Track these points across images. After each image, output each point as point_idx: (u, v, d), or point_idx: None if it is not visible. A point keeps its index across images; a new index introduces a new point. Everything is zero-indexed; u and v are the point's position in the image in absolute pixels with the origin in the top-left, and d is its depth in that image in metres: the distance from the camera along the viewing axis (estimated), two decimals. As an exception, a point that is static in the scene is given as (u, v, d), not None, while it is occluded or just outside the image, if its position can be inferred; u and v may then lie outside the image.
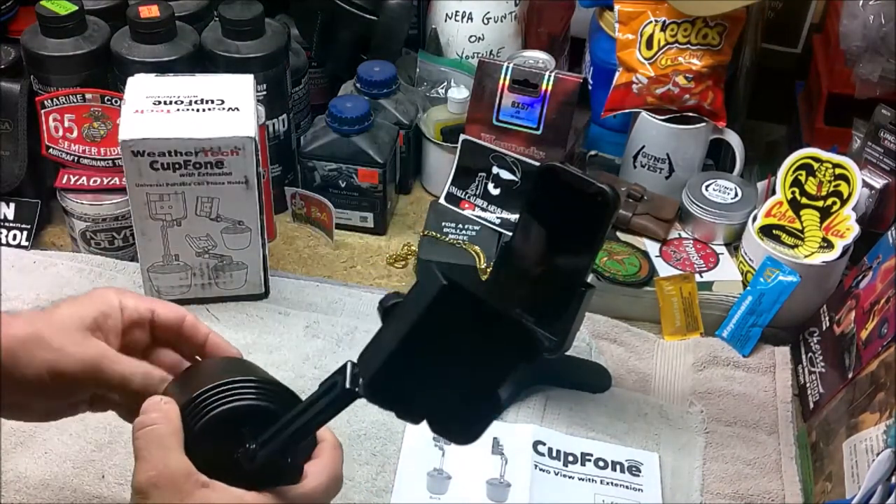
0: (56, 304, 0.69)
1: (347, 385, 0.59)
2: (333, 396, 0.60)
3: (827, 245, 1.03)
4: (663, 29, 1.13)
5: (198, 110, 0.94)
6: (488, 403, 0.62)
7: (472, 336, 0.59)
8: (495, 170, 1.13)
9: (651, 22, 1.13)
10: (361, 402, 0.95)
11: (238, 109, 0.94)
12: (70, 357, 0.65)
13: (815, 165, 1.04)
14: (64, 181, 1.06)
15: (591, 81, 1.25)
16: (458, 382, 0.60)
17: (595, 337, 1.02)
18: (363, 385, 0.59)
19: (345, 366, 0.60)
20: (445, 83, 1.25)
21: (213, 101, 0.95)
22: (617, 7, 1.15)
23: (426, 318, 0.57)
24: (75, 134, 1.07)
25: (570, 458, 0.89)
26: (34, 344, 0.65)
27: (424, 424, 0.60)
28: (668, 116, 1.15)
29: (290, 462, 0.64)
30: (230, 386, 0.64)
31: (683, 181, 1.14)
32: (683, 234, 1.12)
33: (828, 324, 1.00)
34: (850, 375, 0.91)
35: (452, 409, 0.61)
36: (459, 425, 0.62)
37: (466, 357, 0.59)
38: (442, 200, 1.15)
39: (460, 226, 1.11)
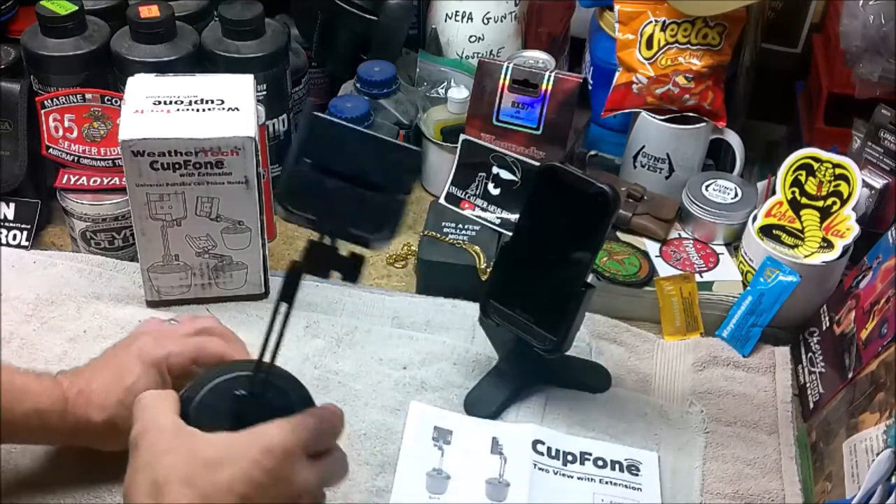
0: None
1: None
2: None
3: (827, 245, 1.03)
4: (663, 29, 1.13)
5: (198, 110, 0.94)
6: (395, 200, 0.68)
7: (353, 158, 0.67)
8: (495, 170, 1.13)
9: (651, 22, 1.13)
10: (362, 403, 0.95)
11: (238, 109, 0.94)
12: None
13: (815, 165, 1.04)
14: (64, 181, 1.06)
15: (591, 81, 1.25)
16: (354, 193, 0.66)
17: (595, 337, 1.02)
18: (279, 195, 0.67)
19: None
20: (445, 83, 1.25)
21: (212, 101, 0.94)
22: (617, 7, 1.15)
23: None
24: (75, 134, 1.07)
25: (570, 458, 0.89)
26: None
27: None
28: (668, 116, 1.15)
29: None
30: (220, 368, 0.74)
31: (683, 181, 1.14)
32: (683, 234, 1.12)
33: (828, 324, 1.00)
34: (850, 375, 0.91)
35: (361, 211, 0.67)
36: (372, 223, 0.67)
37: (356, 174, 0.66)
38: (442, 200, 1.15)
39: (460, 226, 1.11)
